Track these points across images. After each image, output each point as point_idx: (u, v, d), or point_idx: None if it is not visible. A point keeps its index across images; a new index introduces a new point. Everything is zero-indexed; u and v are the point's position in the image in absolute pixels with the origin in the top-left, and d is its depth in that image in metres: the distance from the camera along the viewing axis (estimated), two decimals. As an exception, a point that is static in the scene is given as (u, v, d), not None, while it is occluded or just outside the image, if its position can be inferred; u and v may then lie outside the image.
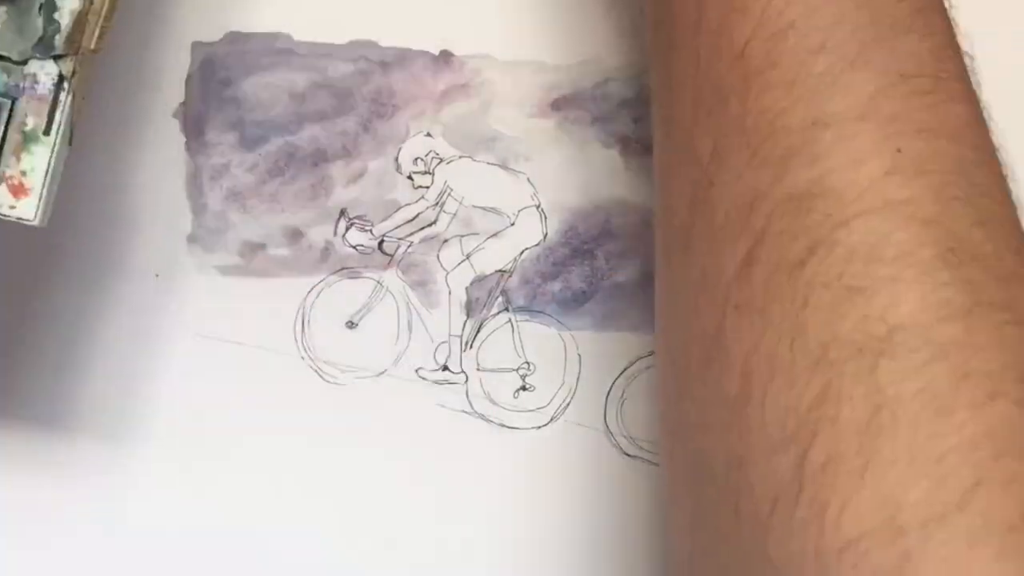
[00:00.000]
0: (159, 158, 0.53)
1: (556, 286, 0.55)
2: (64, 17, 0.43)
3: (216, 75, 0.53)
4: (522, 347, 0.55)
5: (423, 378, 0.54)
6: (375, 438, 0.54)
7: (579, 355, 0.55)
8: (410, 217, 0.54)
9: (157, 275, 0.53)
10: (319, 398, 0.54)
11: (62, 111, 0.43)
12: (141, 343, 0.53)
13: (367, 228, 0.54)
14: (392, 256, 0.54)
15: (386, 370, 0.54)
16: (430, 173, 0.54)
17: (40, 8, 0.43)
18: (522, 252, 0.55)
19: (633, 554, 0.55)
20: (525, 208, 0.54)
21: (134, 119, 0.53)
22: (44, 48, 0.43)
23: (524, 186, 0.54)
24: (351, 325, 0.54)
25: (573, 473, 0.55)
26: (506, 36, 0.54)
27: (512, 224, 0.55)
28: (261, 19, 0.53)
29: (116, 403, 0.53)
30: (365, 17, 0.54)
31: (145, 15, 0.53)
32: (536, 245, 0.55)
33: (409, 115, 0.54)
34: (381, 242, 0.54)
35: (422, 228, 0.54)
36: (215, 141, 0.53)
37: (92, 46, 0.43)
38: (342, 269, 0.54)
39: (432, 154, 0.54)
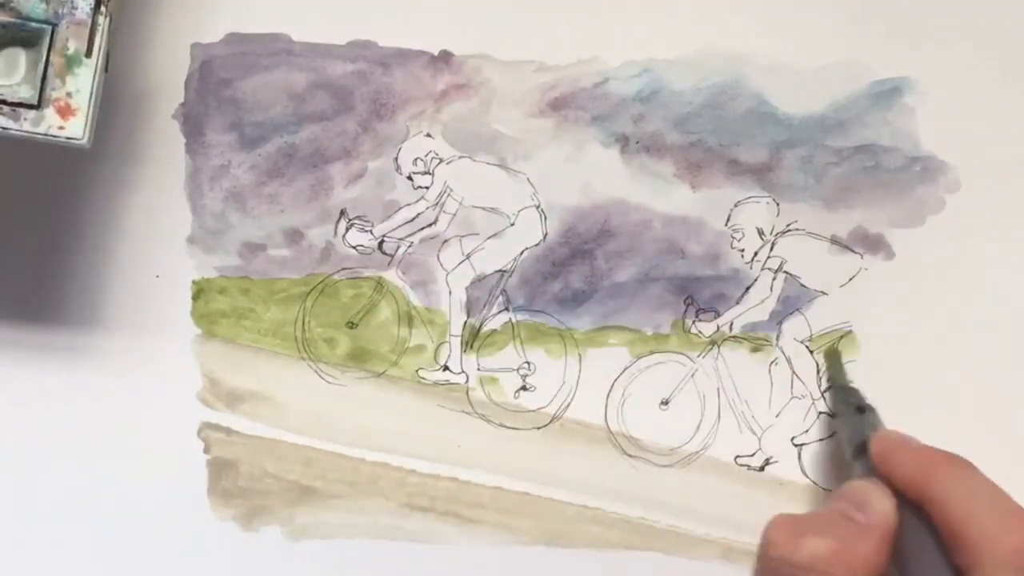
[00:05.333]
0: (159, 158, 0.53)
1: (556, 286, 0.55)
2: None
3: (216, 75, 0.53)
4: (522, 347, 0.55)
5: (423, 378, 0.54)
6: (376, 439, 0.54)
7: (579, 355, 0.55)
8: (410, 217, 0.54)
9: (157, 276, 0.53)
10: (319, 399, 0.54)
11: (101, 34, 0.45)
12: (142, 344, 0.53)
13: (367, 228, 0.54)
14: (392, 256, 0.54)
15: (386, 370, 0.54)
16: (430, 173, 0.54)
17: None
18: (522, 252, 0.55)
19: (634, 554, 0.55)
20: (525, 208, 0.54)
21: (134, 120, 0.53)
22: None
23: (524, 186, 0.54)
24: (351, 326, 0.54)
25: (573, 474, 0.55)
26: (505, 36, 0.54)
27: (512, 224, 0.54)
28: (260, 20, 0.53)
29: (118, 402, 0.53)
30: (364, 17, 0.54)
31: (145, 16, 0.53)
32: (536, 245, 0.55)
33: (408, 115, 0.54)
34: (381, 242, 0.54)
35: (422, 228, 0.54)
36: (215, 141, 0.53)
37: None
38: (342, 269, 0.54)
39: (432, 154, 0.54)
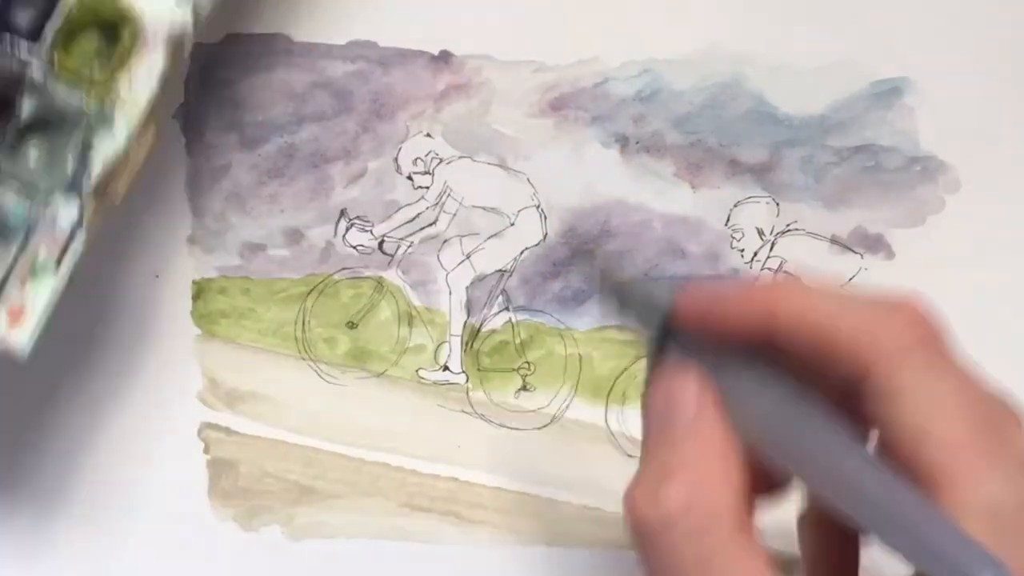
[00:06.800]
0: (159, 158, 0.53)
1: (556, 286, 0.55)
2: (96, 163, 0.43)
3: (216, 75, 0.53)
4: (522, 347, 0.55)
5: (423, 378, 0.54)
6: (376, 439, 0.54)
7: (579, 355, 0.55)
8: (410, 217, 0.54)
9: (157, 276, 0.54)
10: (319, 398, 0.54)
11: (74, 251, 0.44)
12: (142, 344, 0.53)
13: (367, 228, 0.54)
14: (392, 256, 0.54)
15: (386, 370, 0.54)
16: (430, 173, 0.54)
17: (75, 149, 0.43)
18: (522, 252, 0.55)
19: (634, 554, 0.55)
20: (525, 208, 0.54)
21: (134, 120, 0.53)
22: (71, 188, 0.43)
23: (524, 186, 0.54)
24: (351, 326, 0.54)
25: (573, 474, 0.55)
26: (505, 36, 0.54)
27: (512, 224, 0.55)
28: (260, 20, 0.53)
29: (117, 402, 0.53)
30: (364, 17, 0.54)
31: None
32: (536, 245, 0.55)
33: (408, 115, 0.54)
34: (381, 242, 0.54)
35: (422, 228, 0.54)
36: (215, 142, 0.53)
37: (117, 197, 0.44)
38: (342, 269, 0.54)
39: (432, 154, 0.54)
